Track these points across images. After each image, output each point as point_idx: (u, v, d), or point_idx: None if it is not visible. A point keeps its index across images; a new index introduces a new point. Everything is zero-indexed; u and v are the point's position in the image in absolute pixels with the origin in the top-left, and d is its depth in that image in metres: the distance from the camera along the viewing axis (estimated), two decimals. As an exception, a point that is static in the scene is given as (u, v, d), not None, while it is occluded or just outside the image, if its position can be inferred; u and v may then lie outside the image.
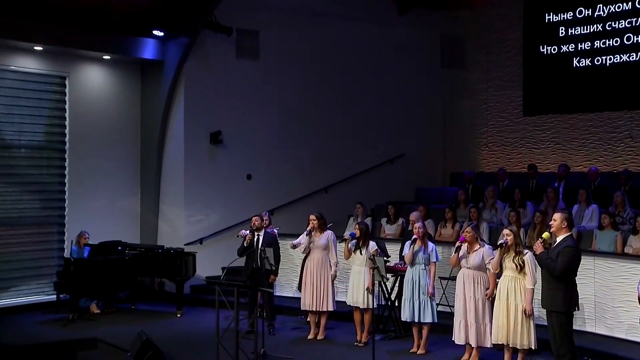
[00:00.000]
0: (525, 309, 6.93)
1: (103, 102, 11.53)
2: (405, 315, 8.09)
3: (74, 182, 11.18)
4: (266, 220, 9.37)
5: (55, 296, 10.39)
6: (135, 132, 11.87)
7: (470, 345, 7.56)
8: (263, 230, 8.98)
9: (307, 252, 8.81)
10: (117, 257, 10.23)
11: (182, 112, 11.40)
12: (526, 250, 7.04)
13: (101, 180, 11.42)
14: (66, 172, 11.17)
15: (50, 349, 7.61)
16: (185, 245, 11.09)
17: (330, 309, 8.70)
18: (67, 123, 11.17)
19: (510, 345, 7.12)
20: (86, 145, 11.29)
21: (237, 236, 9.30)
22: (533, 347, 7.06)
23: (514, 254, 7.01)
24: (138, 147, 11.91)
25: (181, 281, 10.32)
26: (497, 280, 7.30)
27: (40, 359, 7.30)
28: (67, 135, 11.18)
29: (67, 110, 11.17)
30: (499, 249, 7.14)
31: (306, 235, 8.71)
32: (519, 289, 6.99)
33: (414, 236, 8.04)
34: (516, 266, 6.96)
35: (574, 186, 10.72)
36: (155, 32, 11.16)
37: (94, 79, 11.47)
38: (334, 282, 8.79)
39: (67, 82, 11.17)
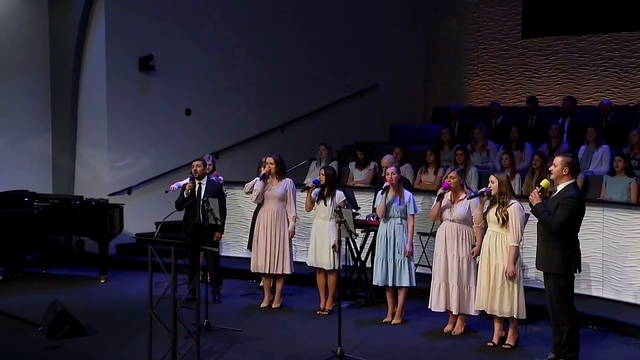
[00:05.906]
0: (506, 270, 7.01)
1: None
2: (377, 279, 8.16)
3: (-35, 118, 11.02)
4: (209, 165, 9.36)
5: (-57, 260, 10.33)
6: (43, 57, 11.66)
7: (452, 312, 7.68)
8: (206, 178, 8.93)
9: (260, 203, 8.80)
10: (22, 210, 10.16)
11: (103, 31, 11.17)
12: (512, 201, 7.05)
13: (0, 117, 11.21)
14: (-45, 107, 11.00)
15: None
16: (109, 195, 11.04)
17: (287, 271, 8.74)
18: (-46, 46, 10.95)
19: (488, 312, 7.21)
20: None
21: (167, 192, 9.11)
22: (516, 316, 7.09)
23: (497, 205, 7.08)
24: (47, 74, 11.71)
25: (105, 239, 10.29)
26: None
27: None
28: (-45, 62, 10.98)
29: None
30: (479, 198, 7.22)
31: (260, 181, 8.68)
32: (500, 247, 7.06)
33: (386, 183, 8.05)
34: (498, 219, 7.02)
35: (581, 123, 10.85)
36: None
37: (-13, -11, 11.21)
38: (292, 239, 8.83)
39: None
